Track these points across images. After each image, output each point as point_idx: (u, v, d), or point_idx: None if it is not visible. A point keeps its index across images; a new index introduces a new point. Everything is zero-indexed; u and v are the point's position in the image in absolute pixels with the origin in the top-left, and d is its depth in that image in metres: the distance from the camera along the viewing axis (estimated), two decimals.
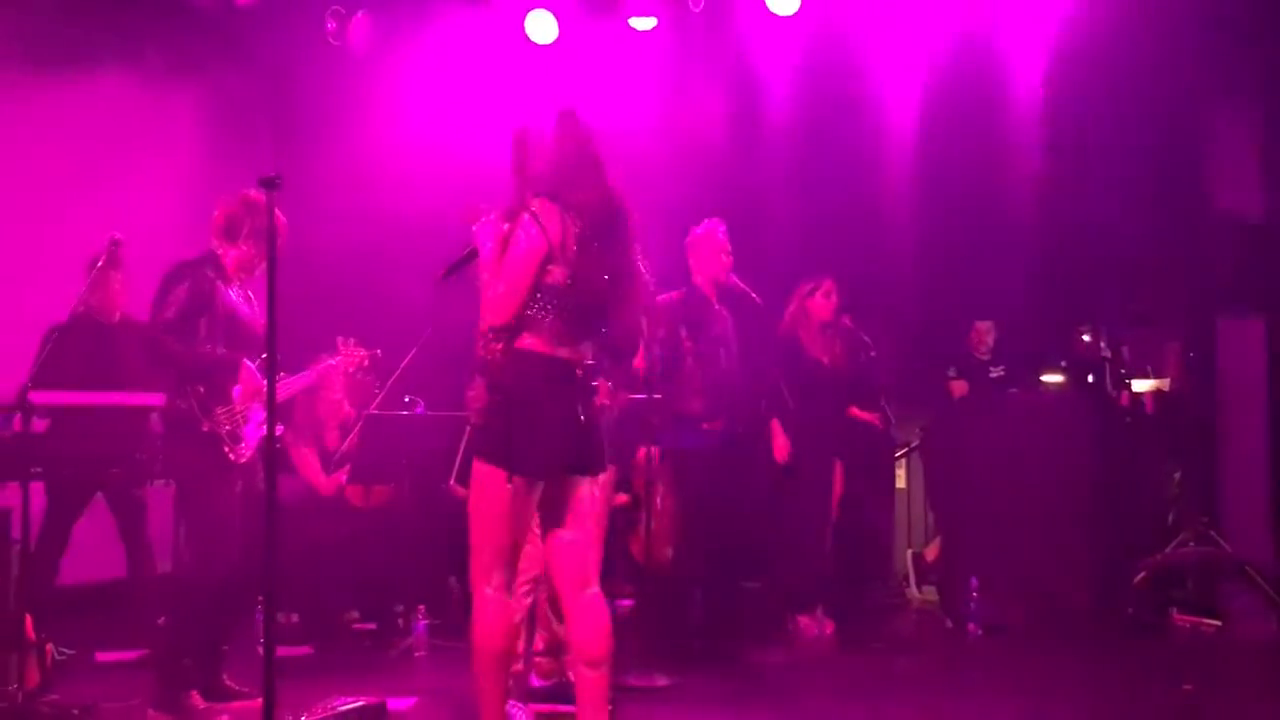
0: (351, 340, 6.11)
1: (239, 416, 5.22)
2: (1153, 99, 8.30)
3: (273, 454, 3.94)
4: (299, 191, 4.20)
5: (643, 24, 8.42)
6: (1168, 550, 7.48)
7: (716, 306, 6.67)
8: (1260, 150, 8.10)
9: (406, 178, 8.42)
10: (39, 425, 6.10)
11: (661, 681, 5.78)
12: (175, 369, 5.19)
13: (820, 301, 7.32)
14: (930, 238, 8.87)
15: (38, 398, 5.54)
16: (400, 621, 6.99)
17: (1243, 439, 7.28)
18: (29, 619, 5.30)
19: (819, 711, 5.75)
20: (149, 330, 5.22)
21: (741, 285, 6.59)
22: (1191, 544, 7.41)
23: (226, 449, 5.15)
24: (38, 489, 6.12)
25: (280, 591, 4.33)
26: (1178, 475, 8.16)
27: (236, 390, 5.21)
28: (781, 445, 7.22)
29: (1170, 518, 7.94)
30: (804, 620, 7.26)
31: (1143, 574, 7.38)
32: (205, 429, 5.12)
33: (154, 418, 6.64)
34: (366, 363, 6.14)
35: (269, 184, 3.97)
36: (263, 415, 5.09)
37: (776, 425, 7.22)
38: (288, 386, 5.54)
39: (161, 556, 6.84)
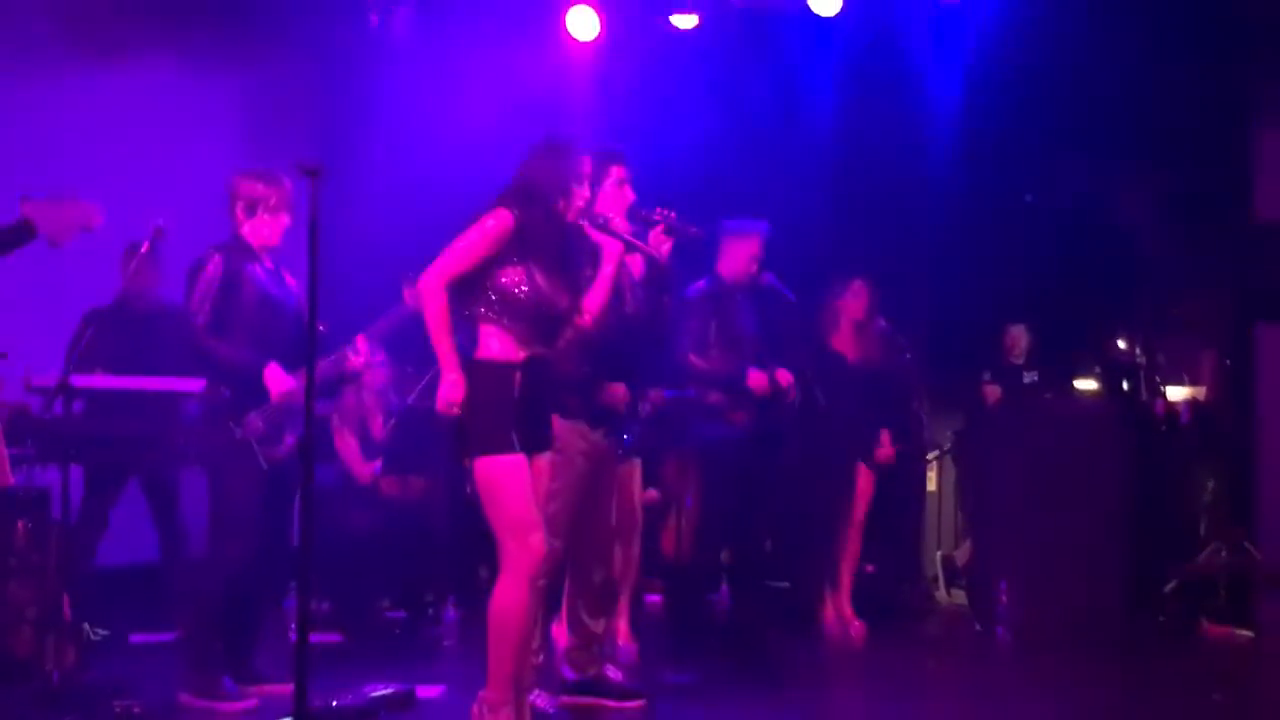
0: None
1: (278, 414, 5.27)
2: (1199, 103, 8.24)
3: (310, 443, 3.98)
4: (340, 179, 4.24)
5: (684, 22, 8.43)
6: (1200, 559, 7.44)
7: (740, 300, 6.63)
8: None
9: (447, 168, 8.45)
10: (77, 408, 6.16)
11: (692, 677, 5.79)
12: (210, 365, 5.29)
13: (850, 301, 7.30)
14: (967, 240, 8.84)
15: (78, 381, 5.59)
16: (430, 610, 7.03)
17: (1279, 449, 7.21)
18: (66, 599, 5.35)
19: (847, 710, 5.75)
20: (185, 329, 5.29)
21: (775, 282, 6.58)
22: (1224, 553, 7.36)
23: (259, 451, 5.22)
24: (77, 471, 6.17)
25: (311, 578, 4.37)
26: (1211, 484, 8.11)
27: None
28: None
29: (1203, 527, 7.90)
30: (826, 617, 7.27)
31: (1174, 582, 7.34)
32: (239, 437, 5.20)
33: (191, 403, 6.73)
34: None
35: (311, 172, 4.01)
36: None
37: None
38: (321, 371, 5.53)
39: (195, 540, 6.89)
